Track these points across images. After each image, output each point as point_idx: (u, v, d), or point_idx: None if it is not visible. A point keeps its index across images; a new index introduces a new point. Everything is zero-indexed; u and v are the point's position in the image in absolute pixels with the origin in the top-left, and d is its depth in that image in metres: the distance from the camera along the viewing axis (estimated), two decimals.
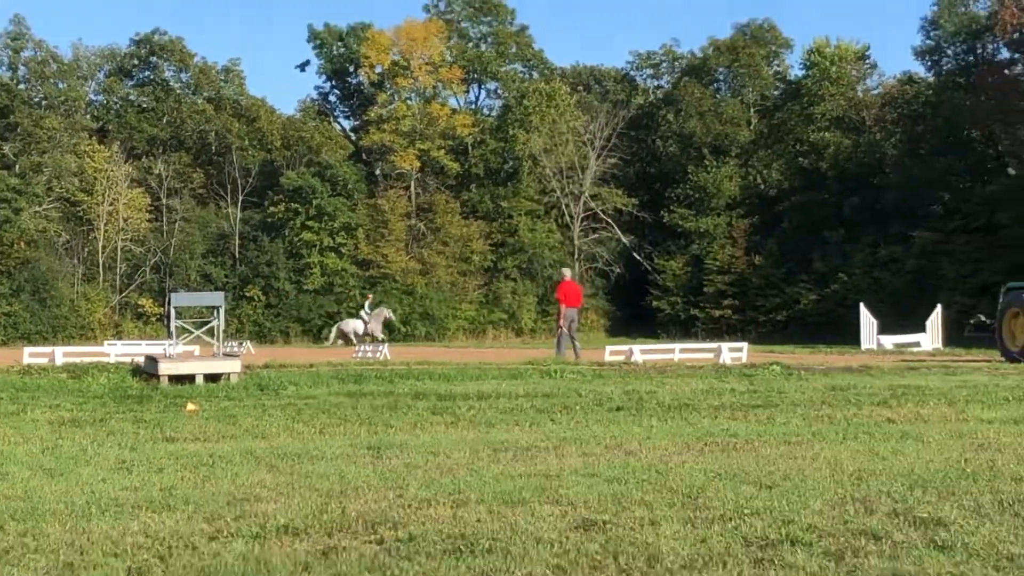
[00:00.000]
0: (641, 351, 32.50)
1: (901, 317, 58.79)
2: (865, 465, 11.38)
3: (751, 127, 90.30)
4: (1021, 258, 54.23)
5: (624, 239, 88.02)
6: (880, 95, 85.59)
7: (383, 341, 51.42)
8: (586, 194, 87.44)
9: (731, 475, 10.83)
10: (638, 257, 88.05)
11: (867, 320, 48.14)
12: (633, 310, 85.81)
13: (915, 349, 43.75)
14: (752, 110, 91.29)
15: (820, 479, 10.52)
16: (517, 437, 14.51)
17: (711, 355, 32.27)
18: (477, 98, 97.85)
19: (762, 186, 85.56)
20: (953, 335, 46.33)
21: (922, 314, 50.02)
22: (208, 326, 25.82)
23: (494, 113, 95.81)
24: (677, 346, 36.03)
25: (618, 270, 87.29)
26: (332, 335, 62.50)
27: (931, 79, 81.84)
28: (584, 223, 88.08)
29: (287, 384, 22.05)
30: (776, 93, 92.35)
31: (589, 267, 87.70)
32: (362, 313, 60.99)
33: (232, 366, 23.35)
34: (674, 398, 18.93)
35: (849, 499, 9.43)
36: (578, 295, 34.02)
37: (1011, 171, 75.03)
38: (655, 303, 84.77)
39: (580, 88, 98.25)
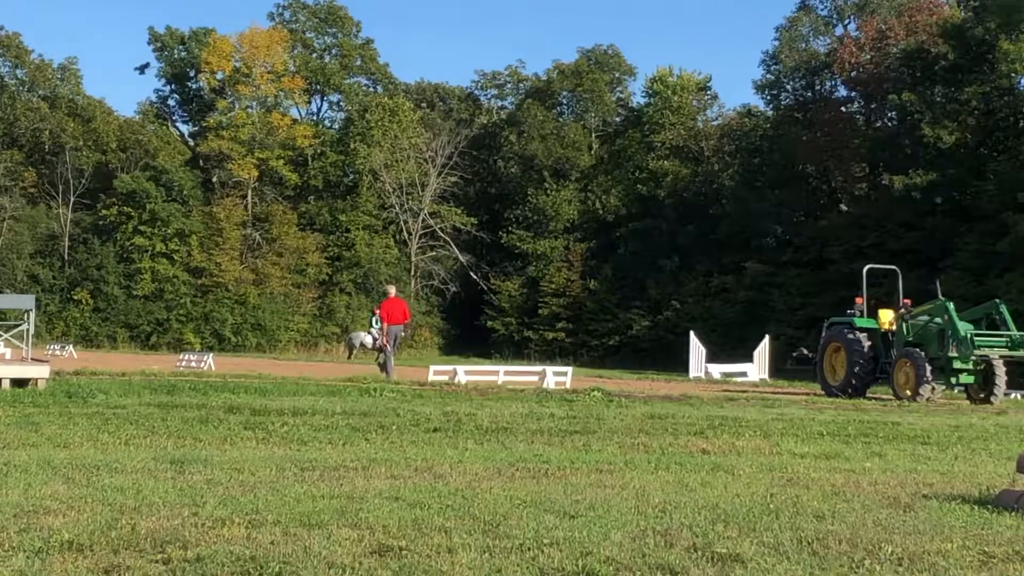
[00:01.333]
0: (465, 372, 32.33)
1: (730, 346, 59.55)
2: (672, 497, 11.25)
3: (592, 152, 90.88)
4: (847, 293, 55.02)
5: (461, 258, 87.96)
6: (720, 126, 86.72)
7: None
8: (425, 211, 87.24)
9: (537, 503, 10.62)
10: (475, 276, 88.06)
11: (696, 348, 48.50)
12: (467, 329, 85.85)
13: (741, 379, 44.15)
14: (594, 135, 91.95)
15: (625, 510, 10.35)
16: (327, 456, 14.18)
17: (535, 378, 32.18)
18: (319, 110, 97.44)
19: (600, 211, 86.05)
20: (780, 366, 46.94)
21: (751, 344, 50.56)
22: (17, 329, 25.06)
23: (335, 126, 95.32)
24: (502, 368, 35.90)
25: (454, 288, 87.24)
26: (344, 348, 61.52)
27: (770, 113, 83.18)
28: (422, 240, 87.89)
29: (97, 392, 21.43)
30: (618, 119, 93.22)
31: (425, 284, 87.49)
32: (372, 329, 59.50)
33: (40, 371, 22.66)
34: (492, 421, 18.70)
35: (651, 531, 9.25)
36: (402, 312, 33.73)
37: (843, 207, 76.39)
38: (489, 323, 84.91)
39: (424, 105, 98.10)
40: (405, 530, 9.11)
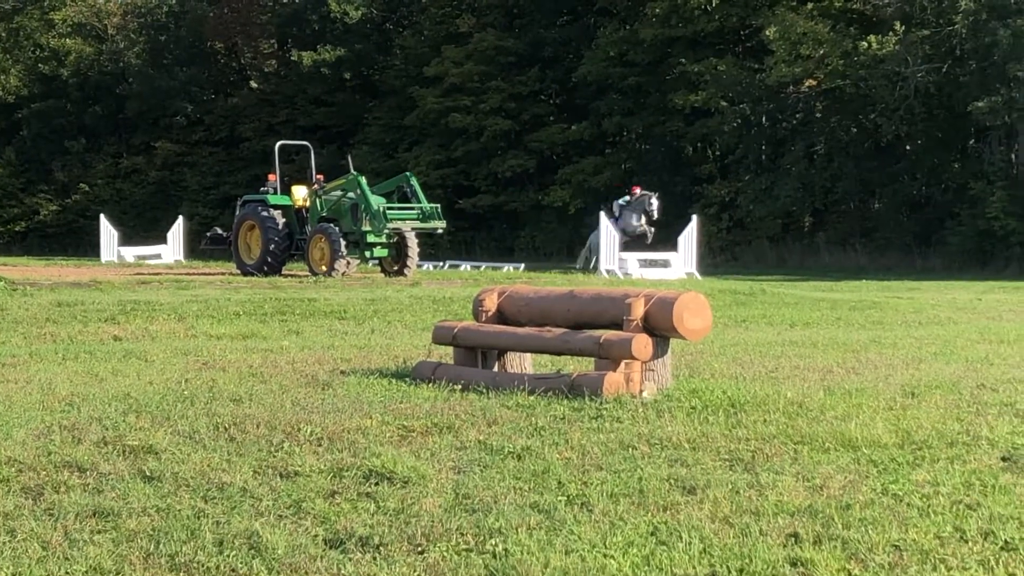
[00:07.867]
0: None
1: (144, 228, 58.70)
2: (81, 388, 10.71)
3: None
4: (260, 171, 55.22)
5: None
6: (124, 3, 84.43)
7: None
8: None
9: None
10: None
11: (108, 231, 47.25)
12: None
13: (155, 261, 43.43)
14: None
15: (29, 406, 9.75)
16: None
17: None
18: None
19: (0, 92, 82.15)
20: (195, 247, 46.48)
21: (165, 225, 49.88)
22: None
23: None
24: None
25: None
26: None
27: None
28: None
29: None
30: None
31: None
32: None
33: None
34: None
35: (57, 427, 8.73)
36: None
37: (253, 84, 76.48)
38: None
39: None
40: None
